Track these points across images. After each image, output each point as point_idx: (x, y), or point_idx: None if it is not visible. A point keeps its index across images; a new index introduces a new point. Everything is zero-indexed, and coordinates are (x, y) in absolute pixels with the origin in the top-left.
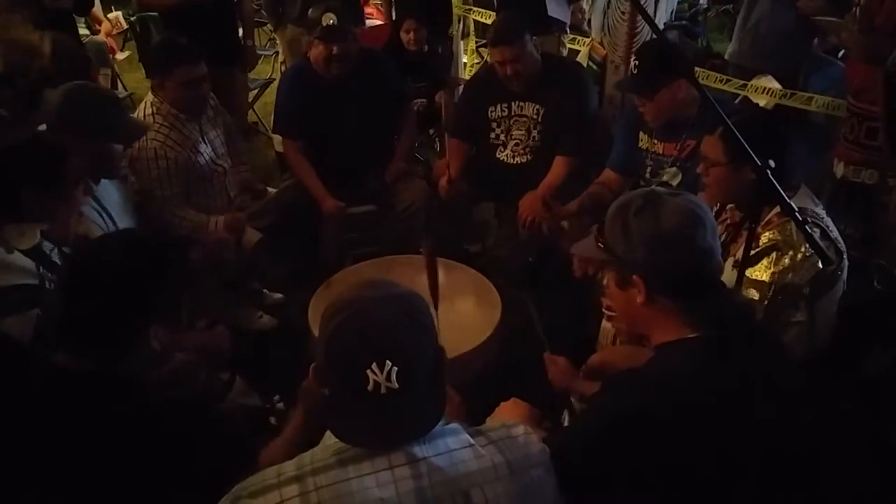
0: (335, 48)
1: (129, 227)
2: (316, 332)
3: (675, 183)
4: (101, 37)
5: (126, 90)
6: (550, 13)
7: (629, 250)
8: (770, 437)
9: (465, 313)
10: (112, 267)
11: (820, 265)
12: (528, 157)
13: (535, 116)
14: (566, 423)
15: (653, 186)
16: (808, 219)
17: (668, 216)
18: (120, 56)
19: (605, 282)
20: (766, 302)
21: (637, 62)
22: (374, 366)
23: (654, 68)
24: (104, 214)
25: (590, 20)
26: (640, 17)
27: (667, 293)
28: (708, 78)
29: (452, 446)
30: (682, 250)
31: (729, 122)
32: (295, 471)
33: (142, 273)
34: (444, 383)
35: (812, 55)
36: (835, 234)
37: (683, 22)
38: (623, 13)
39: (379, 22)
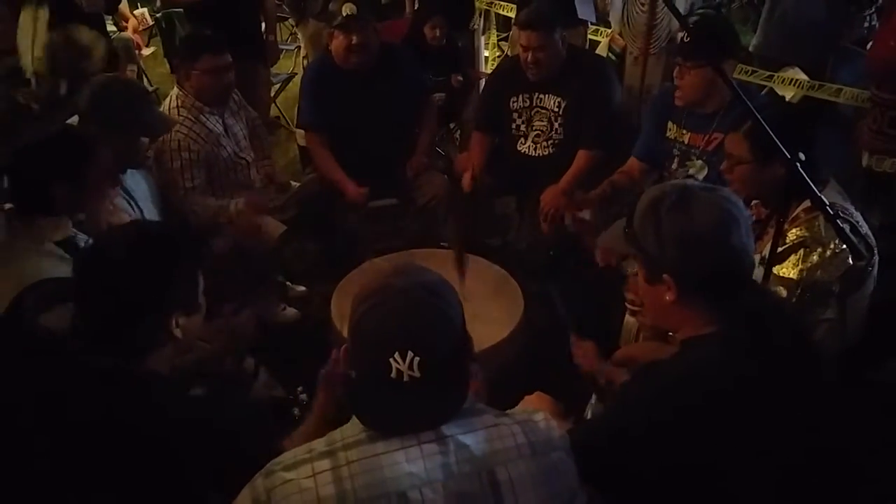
0: (355, 38)
1: (136, 219)
2: (338, 325)
3: (700, 177)
4: (128, 33)
5: (151, 85)
6: (581, 16)
7: (660, 247)
8: (791, 434)
9: (487, 308)
10: (118, 261)
11: (850, 261)
12: (551, 149)
13: (556, 109)
14: (590, 416)
15: (685, 180)
16: (840, 213)
17: (702, 214)
18: (146, 52)
19: (629, 274)
20: (794, 300)
21: (689, 32)
22: (396, 355)
23: (709, 40)
24: (132, 203)
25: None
26: (658, 9)
27: (698, 292)
28: (734, 69)
29: (478, 425)
30: (716, 250)
31: (758, 115)
32: (326, 446)
33: (150, 264)
34: (467, 370)
35: (840, 47)
36: (865, 229)
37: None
38: (643, 4)
39: None
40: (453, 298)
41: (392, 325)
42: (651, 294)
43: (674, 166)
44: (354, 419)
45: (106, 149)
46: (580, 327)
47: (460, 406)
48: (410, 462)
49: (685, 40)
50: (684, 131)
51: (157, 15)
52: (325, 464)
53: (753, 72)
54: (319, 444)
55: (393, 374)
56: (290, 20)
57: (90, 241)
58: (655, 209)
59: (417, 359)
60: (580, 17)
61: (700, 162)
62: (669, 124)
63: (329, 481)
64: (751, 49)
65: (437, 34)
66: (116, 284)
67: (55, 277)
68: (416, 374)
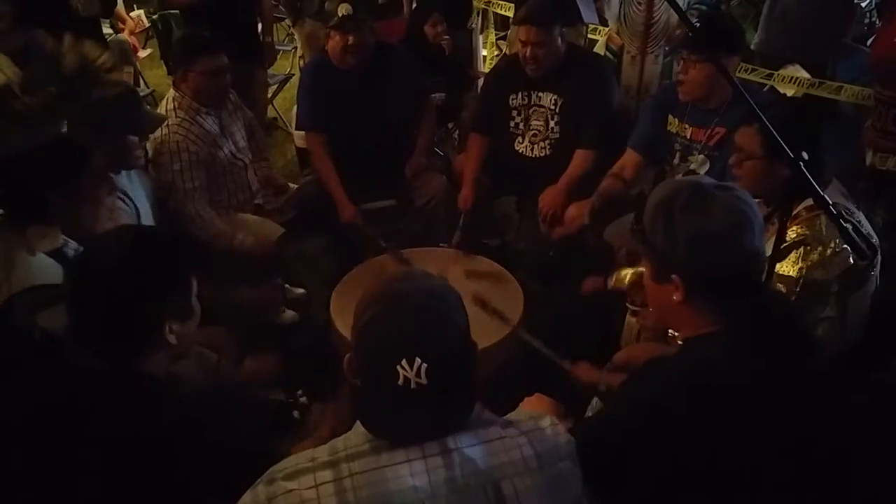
0: (351, 38)
1: (130, 224)
2: (338, 324)
3: (702, 171)
4: (124, 35)
5: (148, 87)
6: (585, 19)
7: (671, 247)
8: (791, 432)
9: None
10: (108, 266)
11: (851, 260)
12: (548, 150)
13: (552, 107)
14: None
15: (695, 176)
16: (843, 213)
17: (716, 215)
18: (142, 54)
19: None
20: (793, 297)
21: (691, 28)
22: (403, 362)
23: (714, 34)
24: (130, 204)
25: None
26: (656, 8)
27: (706, 293)
28: (737, 67)
29: (484, 438)
30: (729, 253)
31: (761, 114)
32: (328, 456)
33: (140, 269)
34: (474, 378)
35: (840, 43)
36: (867, 229)
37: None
38: (639, 3)
39: None
40: (458, 303)
41: (398, 332)
42: (657, 293)
43: (675, 161)
44: (358, 428)
45: (97, 153)
46: (566, 353)
47: (469, 413)
48: (415, 476)
49: (690, 34)
50: (686, 126)
51: (154, 17)
52: (327, 475)
53: (754, 69)
54: (322, 454)
55: (400, 382)
56: (286, 20)
57: (80, 249)
58: (668, 207)
59: (425, 365)
60: (584, 20)
61: (702, 156)
62: (670, 118)
63: (331, 493)
64: (752, 47)
65: (439, 32)
66: (106, 289)
67: (47, 284)
68: (424, 381)
